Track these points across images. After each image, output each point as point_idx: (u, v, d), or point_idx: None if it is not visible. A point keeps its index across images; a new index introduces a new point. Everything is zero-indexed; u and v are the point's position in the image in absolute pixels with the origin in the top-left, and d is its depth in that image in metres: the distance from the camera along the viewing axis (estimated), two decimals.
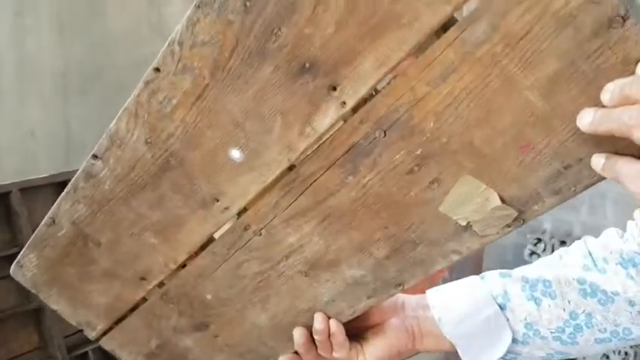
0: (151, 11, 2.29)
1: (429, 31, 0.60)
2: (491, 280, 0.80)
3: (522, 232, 3.62)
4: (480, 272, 0.83)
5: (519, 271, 0.79)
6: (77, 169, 0.86)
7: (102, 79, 2.15)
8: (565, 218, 3.51)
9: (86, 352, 1.33)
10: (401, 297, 0.84)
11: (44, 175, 1.60)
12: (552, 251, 3.48)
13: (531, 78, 0.58)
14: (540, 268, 0.79)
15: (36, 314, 1.38)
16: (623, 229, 0.80)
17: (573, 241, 2.96)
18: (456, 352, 0.77)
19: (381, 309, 0.82)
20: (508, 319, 0.76)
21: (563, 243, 3.39)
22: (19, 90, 1.98)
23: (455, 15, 0.59)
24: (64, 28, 2.06)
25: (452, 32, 0.59)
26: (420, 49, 0.61)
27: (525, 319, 0.75)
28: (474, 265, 2.24)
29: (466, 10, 0.57)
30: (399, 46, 0.61)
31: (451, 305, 0.79)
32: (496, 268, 0.86)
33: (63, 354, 1.23)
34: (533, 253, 3.51)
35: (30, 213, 1.45)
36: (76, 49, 2.09)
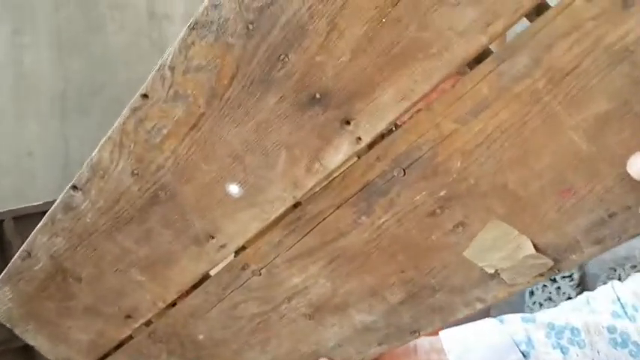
0: (152, 27, 2.24)
1: (461, 62, 0.54)
2: (512, 325, 0.74)
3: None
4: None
5: (544, 316, 0.74)
6: None
7: (101, 97, 2.10)
8: None
9: None
10: (413, 343, 0.78)
11: (38, 203, 1.54)
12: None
13: (577, 117, 0.52)
14: (566, 313, 0.73)
15: (29, 351, 1.28)
16: (628, 247, 0.74)
17: (564, 279, 2.91)
18: None
19: (391, 352, 0.77)
20: None
21: (554, 281, 3.32)
22: (16, 109, 1.93)
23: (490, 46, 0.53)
24: (63, 46, 2.01)
25: (487, 64, 0.53)
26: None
27: None
28: None
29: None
30: (425, 78, 0.55)
31: (469, 350, 0.73)
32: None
33: None
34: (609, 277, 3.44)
35: (24, 242, 1.38)
36: (75, 66, 2.04)
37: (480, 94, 0.54)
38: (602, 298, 0.73)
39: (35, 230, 0.81)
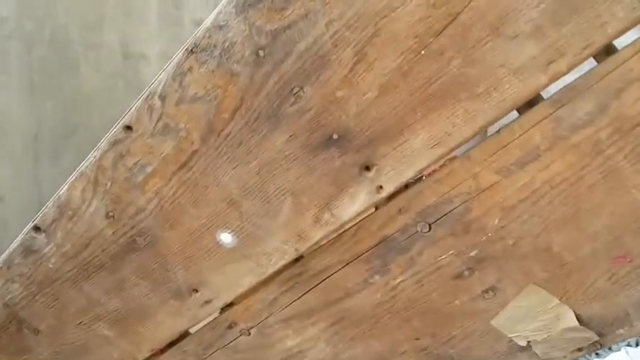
0: (127, 68, 2.18)
1: (512, 105, 0.47)
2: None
3: None
4: None
5: None
6: None
7: (75, 140, 2.02)
8: None
9: None
10: None
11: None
12: None
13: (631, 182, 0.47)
14: None
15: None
16: None
17: None
18: None
19: None
20: None
21: None
22: None
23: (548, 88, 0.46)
24: (36, 88, 1.94)
25: (541, 109, 0.46)
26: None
27: None
28: None
29: (564, 82, 0.45)
30: (467, 121, 0.48)
31: None
32: None
33: None
34: None
35: None
36: (48, 108, 1.96)
37: (531, 143, 0.47)
38: None
39: None
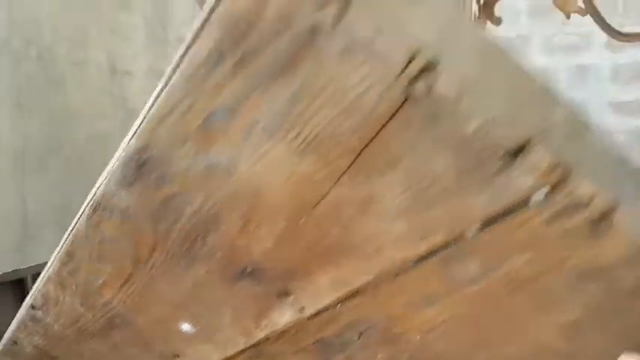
0: (112, 84, 2.21)
1: (400, 264, 0.51)
2: None
3: None
4: None
5: None
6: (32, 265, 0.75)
7: (61, 155, 2.06)
8: None
9: None
10: None
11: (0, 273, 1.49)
12: None
13: (543, 319, 0.50)
14: None
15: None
16: None
17: None
18: None
19: None
20: None
21: None
22: None
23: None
24: (23, 104, 1.97)
25: (433, 263, 0.50)
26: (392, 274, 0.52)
27: None
28: None
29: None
30: (362, 273, 0.52)
31: None
32: None
33: None
34: None
35: None
36: (35, 124, 2.00)
37: (429, 288, 0.52)
38: None
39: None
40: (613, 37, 1.78)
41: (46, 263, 0.70)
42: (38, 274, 0.73)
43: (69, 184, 2.07)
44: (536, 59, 3.31)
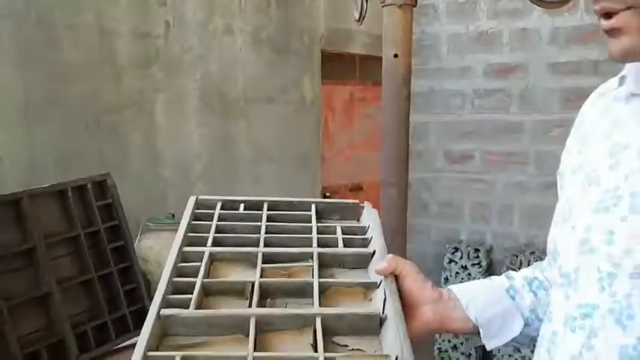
0: (102, 43, 2.48)
1: None
2: (500, 280, 0.96)
3: (441, 243, 4.00)
4: None
5: (519, 273, 0.98)
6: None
7: (59, 106, 2.32)
8: (478, 229, 3.91)
9: (86, 330, 1.47)
10: (437, 290, 0.91)
11: (46, 185, 1.70)
12: (468, 258, 3.89)
13: None
14: (533, 270, 0.97)
15: (44, 300, 1.48)
16: (528, 236, 0.99)
17: (485, 249, 3.44)
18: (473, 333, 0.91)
19: (424, 298, 0.89)
20: (518, 308, 0.90)
21: (477, 250, 3.79)
22: None
23: None
24: (24, 61, 2.22)
25: None
26: None
27: (529, 306, 0.91)
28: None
29: None
30: None
31: (476, 297, 0.91)
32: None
33: (68, 333, 1.34)
34: (451, 260, 3.89)
35: (37, 216, 1.55)
36: (36, 80, 2.25)
37: None
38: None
39: None
40: (535, 4, 2.07)
41: None
42: None
43: (67, 132, 2.35)
44: (483, 23, 3.65)
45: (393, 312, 0.77)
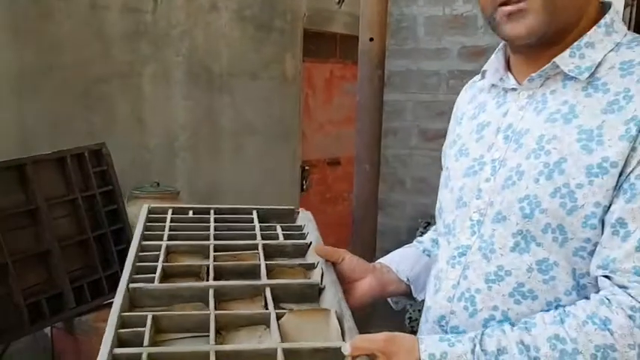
0: (93, 17, 2.57)
1: None
2: (414, 246, 1.14)
3: (414, 217, 4.18)
4: (374, 251, 1.12)
5: (425, 237, 1.16)
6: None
7: (51, 78, 2.41)
8: None
9: (82, 285, 1.60)
10: (371, 264, 1.07)
11: (48, 152, 1.78)
12: None
13: None
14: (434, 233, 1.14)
15: (45, 256, 1.59)
16: None
17: None
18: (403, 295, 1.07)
19: (361, 271, 1.03)
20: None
21: None
22: None
23: None
24: (18, 33, 2.30)
25: None
26: None
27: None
28: (367, 246, 2.62)
29: None
30: None
31: (401, 262, 1.07)
32: (393, 247, 1.13)
33: (66, 286, 1.47)
34: (423, 234, 4.08)
35: (39, 180, 1.66)
36: (29, 52, 2.34)
37: None
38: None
39: None
40: None
41: None
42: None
43: (58, 101, 2.45)
44: (459, 6, 3.78)
45: (329, 282, 0.92)
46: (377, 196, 1.98)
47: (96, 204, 1.68)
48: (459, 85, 4.00)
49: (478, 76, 1.02)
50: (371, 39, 1.80)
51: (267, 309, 0.85)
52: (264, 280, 0.92)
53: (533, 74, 0.86)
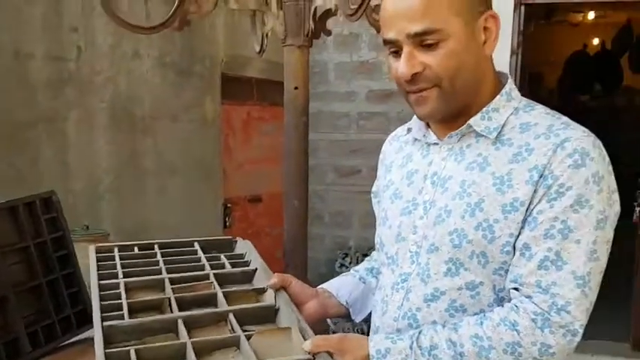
0: (18, 65, 2.60)
1: None
2: (351, 274, 1.28)
3: (333, 250, 4.40)
4: (306, 280, 1.23)
5: (360, 266, 1.30)
6: None
7: None
8: (365, 236, 4.35)
9: (36, 330, 1.56)
10: (314, 289, 1.20)
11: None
12: (357, 262, 4.32)
13: None
14: (369, 262, 1.30)
15: (2, 302, 1.53)
16: None
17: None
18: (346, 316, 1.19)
19: (306, 295, 1.15)
20: (369, 289, 1.22)
21: (364, 255, 4.22)
22: None
23: None
24: None
25: None
26: None
27: (375, 287, 1.21)
28: (299, 277, 2.74)
29: None
30: None
31: (341, 288, 1.21)
32: (315, 279, 1.26)
33: (22, 332, 1.46)
34: (342, 265, 4.30)
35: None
36: None
37: None
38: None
39: None
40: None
41: None
42: None
43: None
44: (365, 53, 4.10)
45: (283, 302, 1.04)
46: (306, 229, 2.15)
47: (47, 250, 1.73)
48: (369, 125, 4.40)
49: (400, 130, 1.22)
50: (295, 88, 2.01)
51: (234, 332, 0.95)
52: (225, 306, 1.02)
53: (452, 132, 1.05)
